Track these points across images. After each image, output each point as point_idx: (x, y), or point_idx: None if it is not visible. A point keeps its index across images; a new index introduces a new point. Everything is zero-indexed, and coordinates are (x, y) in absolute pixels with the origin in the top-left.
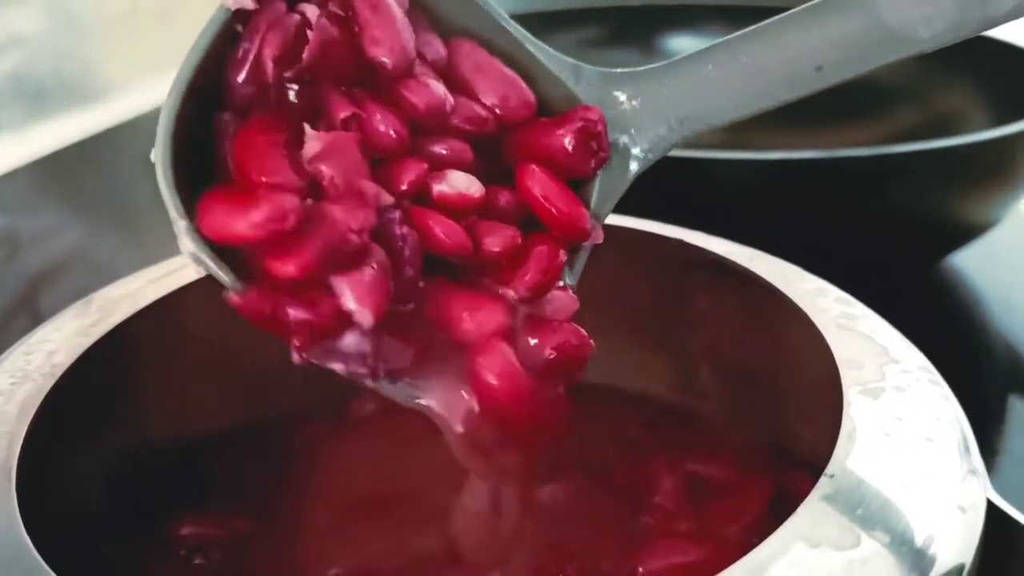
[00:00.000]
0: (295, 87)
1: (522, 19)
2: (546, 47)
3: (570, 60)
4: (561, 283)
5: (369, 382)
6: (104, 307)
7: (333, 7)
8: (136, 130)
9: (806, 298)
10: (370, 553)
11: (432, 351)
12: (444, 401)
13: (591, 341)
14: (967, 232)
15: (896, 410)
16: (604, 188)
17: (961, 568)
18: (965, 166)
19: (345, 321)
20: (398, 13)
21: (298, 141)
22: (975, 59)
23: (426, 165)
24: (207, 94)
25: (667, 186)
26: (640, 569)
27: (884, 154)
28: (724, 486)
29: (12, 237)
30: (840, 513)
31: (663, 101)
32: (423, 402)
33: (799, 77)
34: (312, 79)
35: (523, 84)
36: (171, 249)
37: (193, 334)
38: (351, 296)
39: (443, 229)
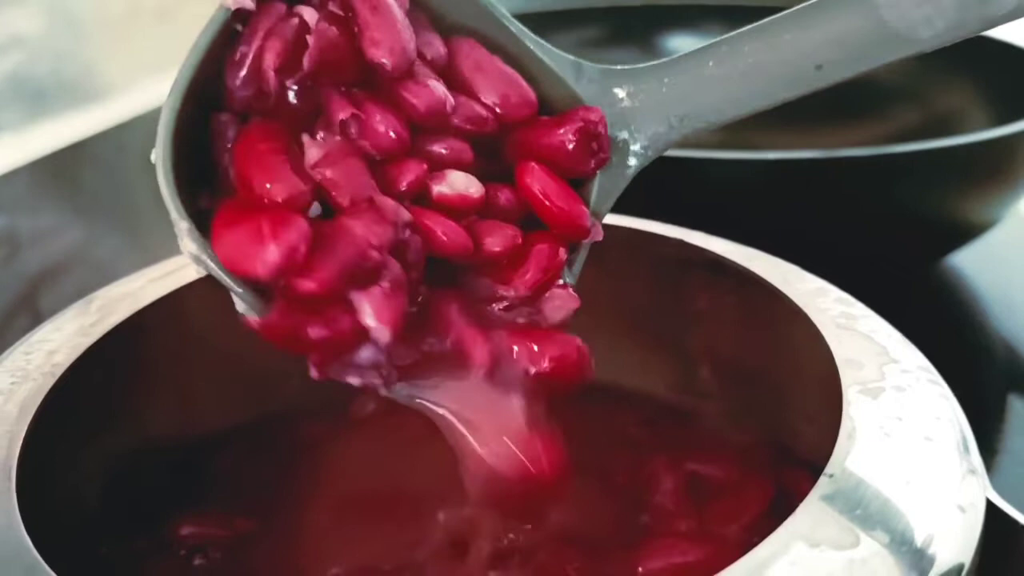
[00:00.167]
0: (295, 88)
1: (522, 19)
2: (547, 44)
3: (571, 57)
4: (561, 281)
5: (383, 391)
6: (104, 307)
7: (333, 7)
8: (136, 130)
9: (806, 298)
10: (370, 553)
11: (434, 351)
12: (451, 396)
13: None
14: (967, 232)
15: (896, 410)
16: (604, 186)
17: (960, 568)
18: (965, 166)
19: (363, 336)
20: (398, 14)
21: (298, 146)
22: (975, 59)
23: (425, 166)
24: (208, 94)
25: (667, 186)
26: (640, 569)
27: (884, 154)
28: (724, 486)
29: (12, 237)
30: (840, 513)
31: (663, 98)
32: (423, 402)
33: (799, 76)
34: (312, 83)
35: (524, 83)
36: (172, 249)
37: (193, 334)
38: (370, 312)
39: (444, 230)
